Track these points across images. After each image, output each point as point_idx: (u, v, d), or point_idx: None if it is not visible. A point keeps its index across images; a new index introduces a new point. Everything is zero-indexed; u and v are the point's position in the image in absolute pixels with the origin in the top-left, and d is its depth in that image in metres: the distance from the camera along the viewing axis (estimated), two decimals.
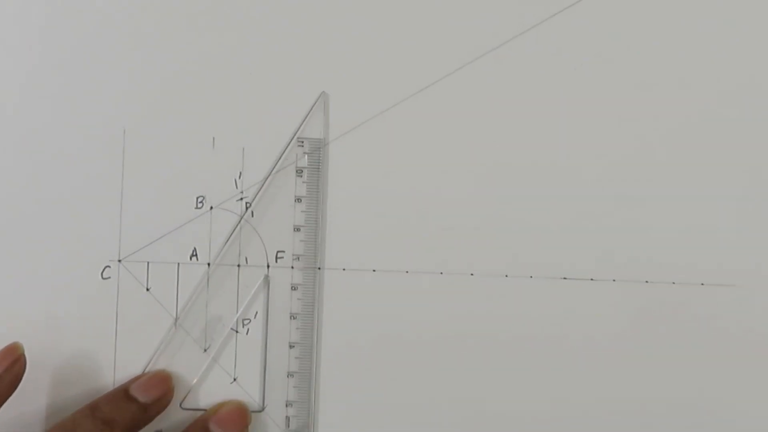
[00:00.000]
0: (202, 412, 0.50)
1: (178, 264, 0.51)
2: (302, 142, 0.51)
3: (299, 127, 0.51)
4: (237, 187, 0.51)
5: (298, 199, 0.51)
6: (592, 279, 0.51)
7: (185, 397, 0.51)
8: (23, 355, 0.48)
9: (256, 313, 0.51)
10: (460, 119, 0.52)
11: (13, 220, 0.51)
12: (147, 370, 0.51)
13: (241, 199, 0.51)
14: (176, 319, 0.51)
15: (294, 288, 0.51)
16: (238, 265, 0.51)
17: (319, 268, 0.51)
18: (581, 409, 0.51)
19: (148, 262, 0.51)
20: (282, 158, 0.51)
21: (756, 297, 0.52)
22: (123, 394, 0.49)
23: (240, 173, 0.51)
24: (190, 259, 0.51)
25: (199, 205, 0.51)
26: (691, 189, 0.52)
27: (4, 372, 0.47)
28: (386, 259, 0.51)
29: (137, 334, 0.51)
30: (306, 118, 0.51)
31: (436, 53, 0.51)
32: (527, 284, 0.51)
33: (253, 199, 0.51)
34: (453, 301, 0.51)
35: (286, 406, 0.51)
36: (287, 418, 0.51)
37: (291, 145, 0.51)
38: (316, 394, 0.51)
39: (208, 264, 0.51)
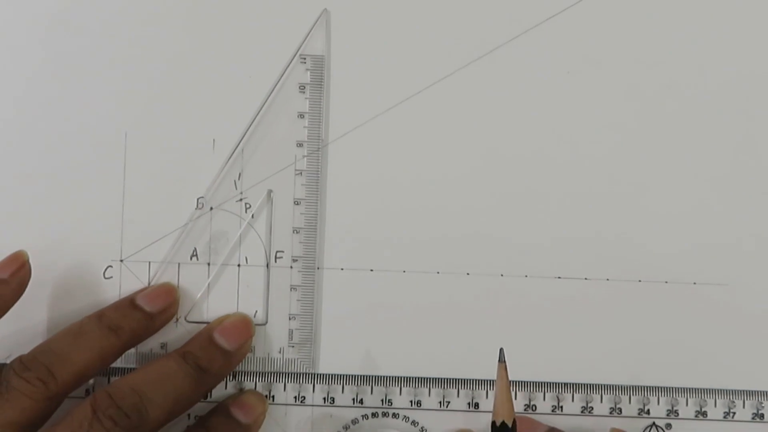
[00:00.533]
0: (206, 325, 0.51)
1: (179, 264, 0.52)
2: (305, 58, 0.51)
3: (301, 44, 0.51)
4: (236, 188, 0.52)
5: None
6: (586, 278, 0.52)
7: (190, 311, 0.52)
8: (28, 262, 0.49)
9: (256, 311, 0.52)
10: (455, 120, 0.52)
11: (16, 220, 0.52)
12: (152, 283, 0.52)
13: (241, 200, 0.52)
14: (177, 318, 0.52)
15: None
16: (238, 265, 0.52)
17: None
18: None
19: (149, 262, 0.52)
20: (284, 75, 0.51)
21: (747, 295, 0.52)
22: (129, 303, 0.50)
23: (239, 174, 0.52)
24: (191, 258, 0.52)
25: (200, 206, 0.52)
26: (684, 190, 0.52)
27: (10, 276, 0.48)
28: (384, 258, 0.52)
29: None
30: (308, 35, 0.51)
31: (429, 60, 0.52)
32: (522, 283, 0.52)
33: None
34: (451, 300, 0.52)
35: (290, 319, 0.52)
36: (290, 330, 0.52)
37: (294, 61, 0.51)
38: (318, 310, 0.52)
39: (208, 264, 0.52)
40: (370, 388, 0.52)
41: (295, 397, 0.52)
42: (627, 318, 0.52)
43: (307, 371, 0.52)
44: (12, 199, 0.52)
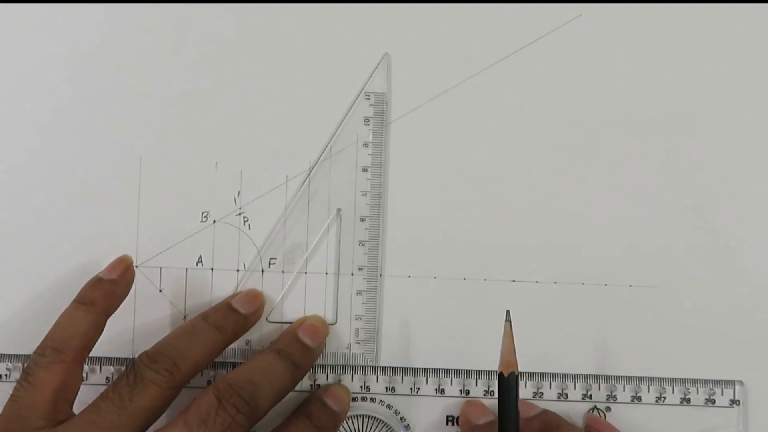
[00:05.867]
0: (285, 325, 0.54)
1: (186, 269, 0.55)
2: (369, 95, 0.55)
3: (366, 83, 0.55)
4: (236, 204, 0.55)
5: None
6: (536, 281, 0.56)
7: (271, 312, 0.55)
8: (132, 265, 0.53)
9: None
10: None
11: (47, 232, 0.55)
12: (238, 290, 0.55)
13: (240, 213, 0.55)
14: (185, 317, 0.55)
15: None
16: (237, 270, 0.55)
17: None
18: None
19: (161, 267, 0.55)
20: (351, 110, 0.55)
21: (674, 296, 0.56)
22: (227, 306, 0.53)
23: (239, 192, 0.55)
24: (197, 264, 0.55)
25: (204, 219, 0.55)
26: (619, 204, 0.56)
27: (119, 277, 0.52)
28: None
29: (151, 328, 0.55)
30: (372, 75, 0.55)
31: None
32: (481, 286, 0.56)
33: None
34: (421, 301, 0.56)
35: (355, 319, 0.55)
36: (356, 330, 0.55)
37: (359, 98, 0.55)
38: (380, 308, 0.55)
39: (212, 269, 0.55)
40: (350, 376, 0.55)
41: None
42: (572, 316, 0.55)
43: (371, 364, 0.55)
44: (44, 212, 0.55)
